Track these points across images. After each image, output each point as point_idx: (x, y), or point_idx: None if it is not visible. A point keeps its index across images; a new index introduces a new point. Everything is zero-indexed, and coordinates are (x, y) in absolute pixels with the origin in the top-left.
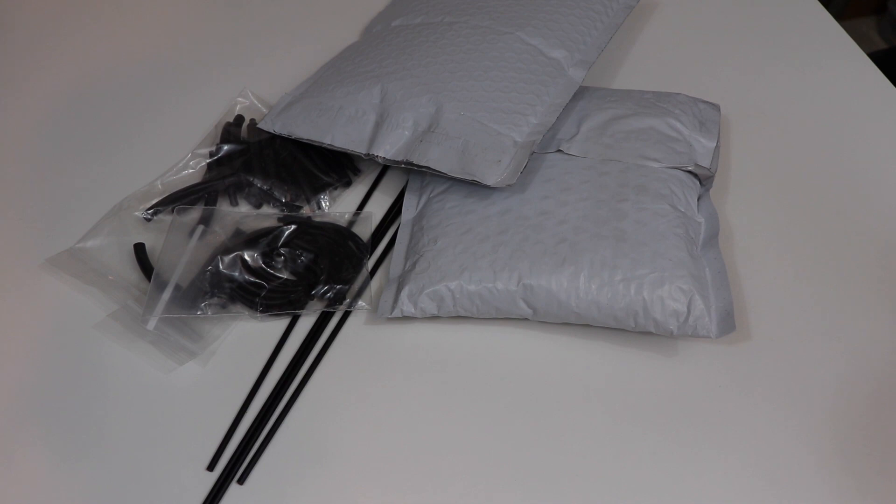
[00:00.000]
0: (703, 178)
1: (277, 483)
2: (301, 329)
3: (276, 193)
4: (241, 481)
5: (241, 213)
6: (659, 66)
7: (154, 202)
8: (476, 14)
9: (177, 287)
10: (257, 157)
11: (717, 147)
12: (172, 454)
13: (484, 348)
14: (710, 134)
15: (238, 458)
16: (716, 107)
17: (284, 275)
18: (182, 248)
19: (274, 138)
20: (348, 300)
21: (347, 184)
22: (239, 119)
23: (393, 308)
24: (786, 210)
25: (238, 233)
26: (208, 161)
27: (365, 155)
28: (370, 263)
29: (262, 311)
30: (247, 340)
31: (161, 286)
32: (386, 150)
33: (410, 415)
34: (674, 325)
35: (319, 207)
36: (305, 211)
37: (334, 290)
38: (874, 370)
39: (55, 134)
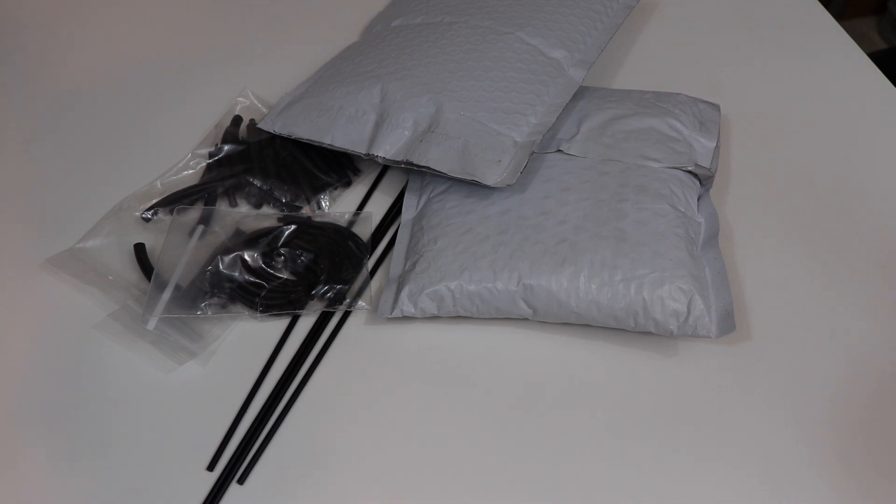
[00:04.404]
0: (703, 178)
1: (277, 483)
2: (301, 329)
3: (276, 193)
4: (241, 481)
5: (241, 213)
6: (659, 66)
7: (154, 202)
8: (476, 14)
9: (177, 287)
10: (257, 157)
11: (717, 147)
12: (172, 454)
13: (484, 348)
14: (710, 134)
15: (238, 458)
16: (716, 107)
17: (284, 275)
18: (182, 248)
19: (274, 138)
20: (348, 300)
21: (347, 184)
22: (237, 119)
23: (393, 308)
24: (786, 210)
25: (238, 233)
26: (208, 161)
27: (365, 155)
28: (370, 263)
29: (262, 311)
30: (247, 340)
31: (161, 286)
32: (386, 150)
33: (410, 415)
34: (674, 325)
35: (319, 207)
36: (305, 211)
37: (334, 290)
38: (874, 370)
39: (55, 134)
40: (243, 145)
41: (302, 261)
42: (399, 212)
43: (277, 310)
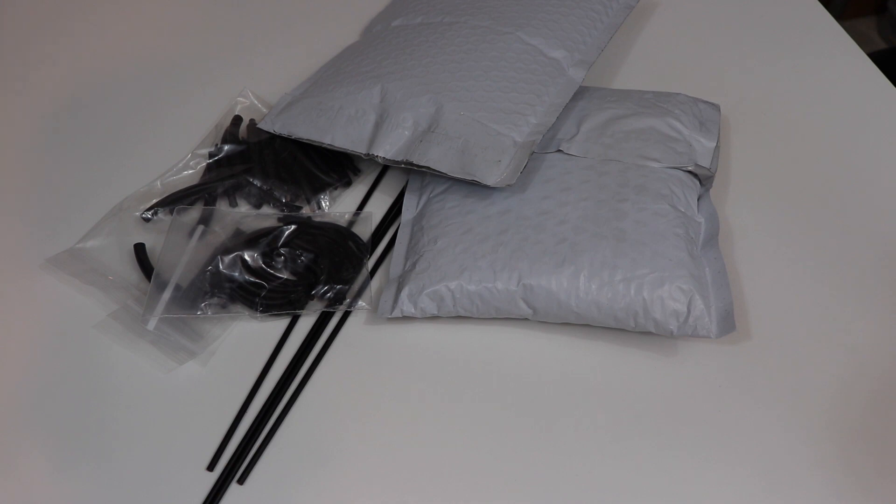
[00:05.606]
0: (703, 178)
1: (277, 483)
2: (301, 329)
3: (276, 193)
4: (241, 481)
5: (241, 213)
6: (659, 66)
7: (154, 202)
8: (476, 14)
9: (177, 287)
10: (257, 157)
11: (717, 147)
12: (172, 454)
13: (484, 348)
14: (710, 134)
15: (238, 458)
16: (716, 107)
17: (284, 275)
18: (182, 248)
19: (274, 138)
20: (348, 300)
21: (347, 184)
22: (237, 119)
23: (393, 308)
24: (786, 210)
25: (238, 233)
26: (208, 161)
27: (365, 155)
28: (370, 263)
29: (262, 311)
30: (247, 340)
31: (161, 286)
32: (386, 150)
33: (410, 415)
34: (674, 325)
35: (319, 207)
36: (305, 211)
37: (334, 290)
38: (874, 370)
39: (55, 134)
40: (243, 145)
41: (302, 261)
42: (399, 212)
43: (277, 310)
